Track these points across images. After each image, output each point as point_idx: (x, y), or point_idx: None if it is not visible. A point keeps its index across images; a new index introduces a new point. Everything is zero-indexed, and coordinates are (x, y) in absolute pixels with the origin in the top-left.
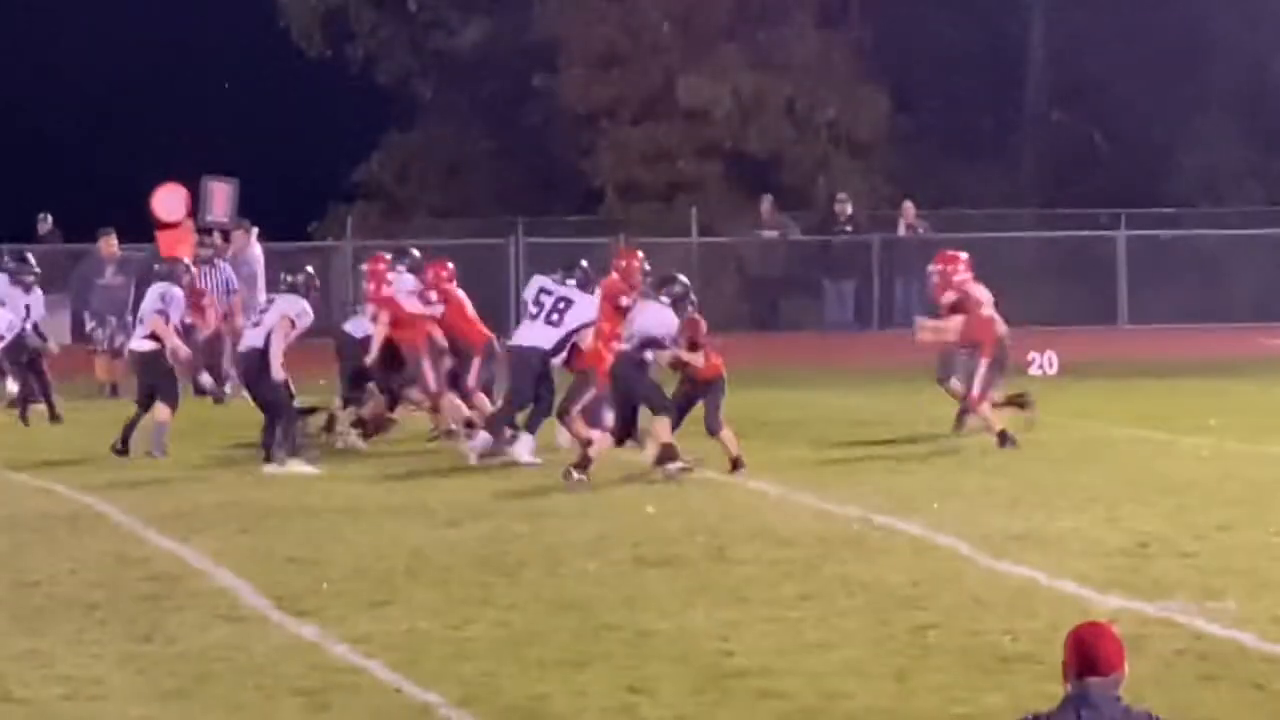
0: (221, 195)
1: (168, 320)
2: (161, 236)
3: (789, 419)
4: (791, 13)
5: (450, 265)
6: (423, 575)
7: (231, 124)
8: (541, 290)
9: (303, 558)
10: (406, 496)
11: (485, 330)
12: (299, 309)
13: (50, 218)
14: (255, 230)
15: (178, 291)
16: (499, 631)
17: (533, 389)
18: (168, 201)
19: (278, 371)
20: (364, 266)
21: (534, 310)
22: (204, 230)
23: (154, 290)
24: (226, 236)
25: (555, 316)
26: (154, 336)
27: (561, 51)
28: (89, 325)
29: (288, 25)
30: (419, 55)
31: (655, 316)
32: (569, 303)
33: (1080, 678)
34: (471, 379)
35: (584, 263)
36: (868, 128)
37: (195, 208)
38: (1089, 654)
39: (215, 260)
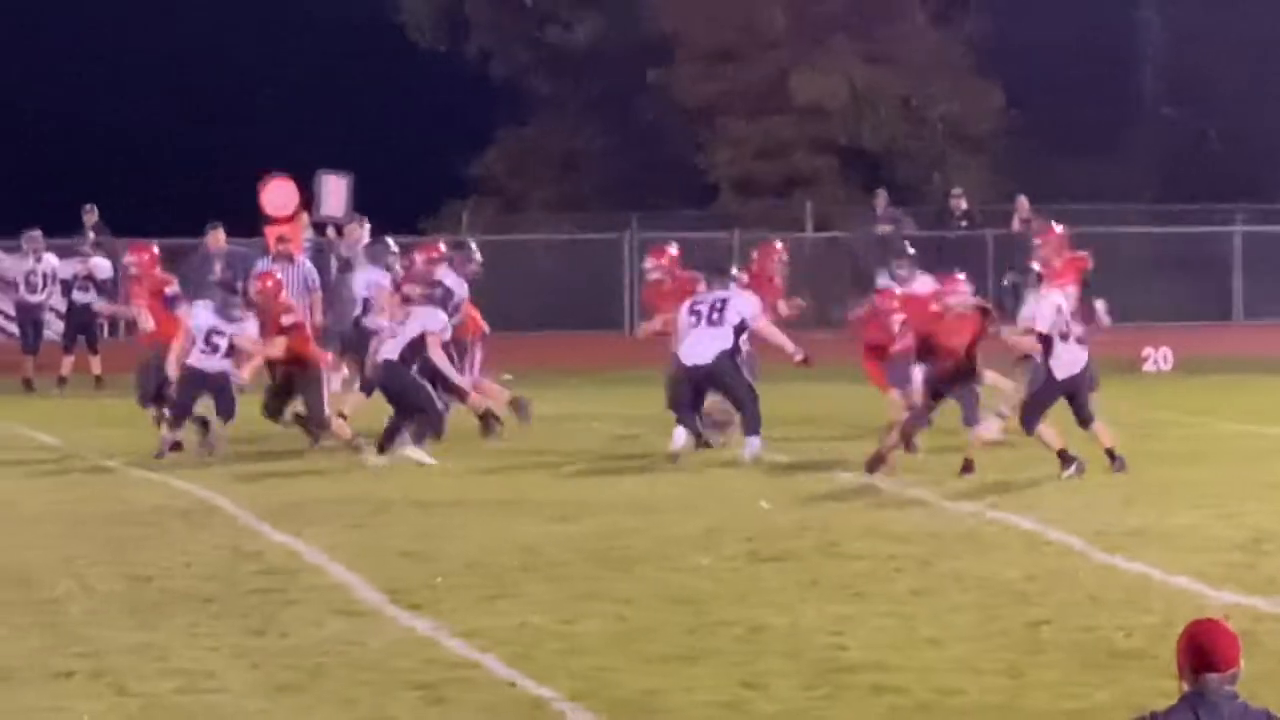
0: (336, 189)
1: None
2: (270, 231)
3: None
4: (905, 8)
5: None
6: (535, 570)
7: (346, 118)
8: (692, 304)
9: (416, 552)
10: (518, 491)
11: (481, 321)
12: (440, 324)
13: (96, 209)
14: (368, 225)
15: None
16: (612, 626)
17: (746, 390)
18: (276, 195)
19: (461, 381)
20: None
21: (693, 320)
22: (318, 225)
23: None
24: (340, 231)
25: (716, 316)
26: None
27: (675, 46)
28: None
29: (404, 19)
30: (534, 50)
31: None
32: (725, 301)
33: (1196, 675)
34: (476, 370)
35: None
36: (981, 123)
37: (309, 202)
38: (1205, 650)
39: (294, 256)
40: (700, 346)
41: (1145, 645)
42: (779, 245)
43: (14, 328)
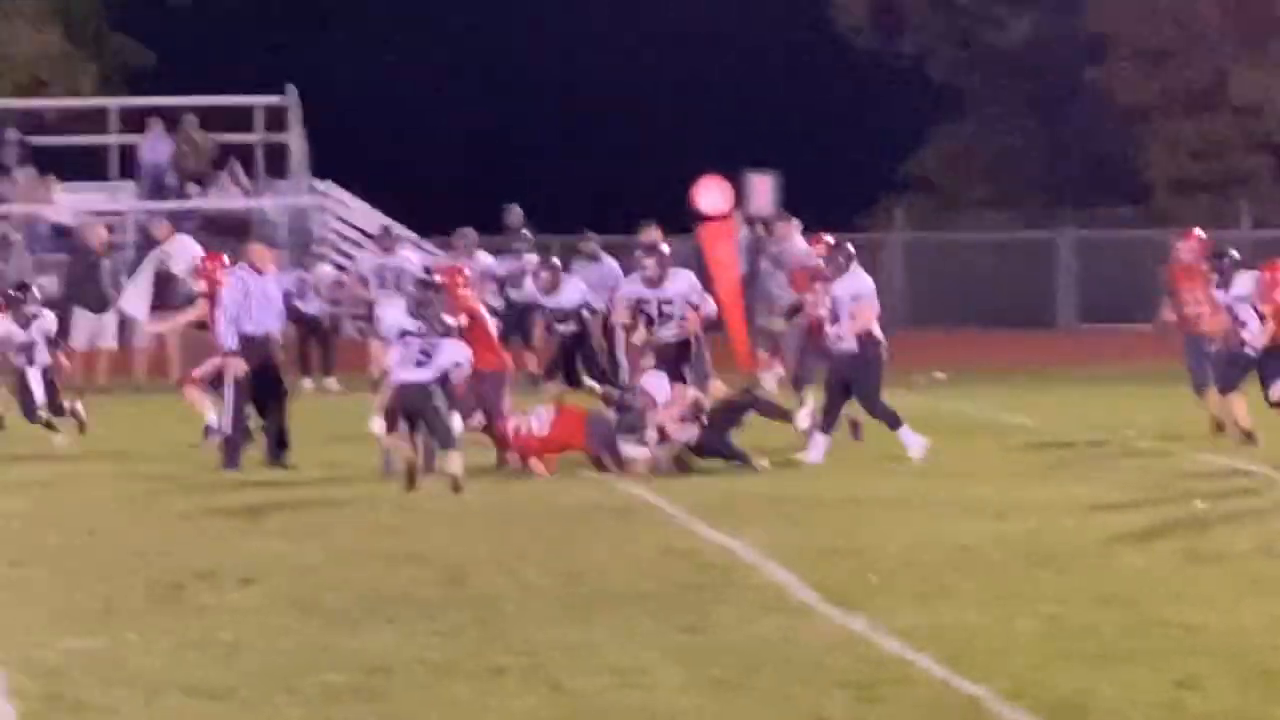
0: (763, 187)
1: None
2: (704, 230)
3: None
4: None
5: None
6: (970, 568)
7: (778, 116)
8: None
9: (850, 550)
10: (952, 490)
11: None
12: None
13: (519, 209)
14: (797, 222)
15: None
16: (1047, 625)
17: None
18: (710, 194)
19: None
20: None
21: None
22: (748, 222)
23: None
24: (769, 228)
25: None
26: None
27: (1110, 45)
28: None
29: (839, 19)
30: (968, 48)
31: None
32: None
33: None
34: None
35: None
36: None
37: (738, 200)
38: None
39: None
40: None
41: None
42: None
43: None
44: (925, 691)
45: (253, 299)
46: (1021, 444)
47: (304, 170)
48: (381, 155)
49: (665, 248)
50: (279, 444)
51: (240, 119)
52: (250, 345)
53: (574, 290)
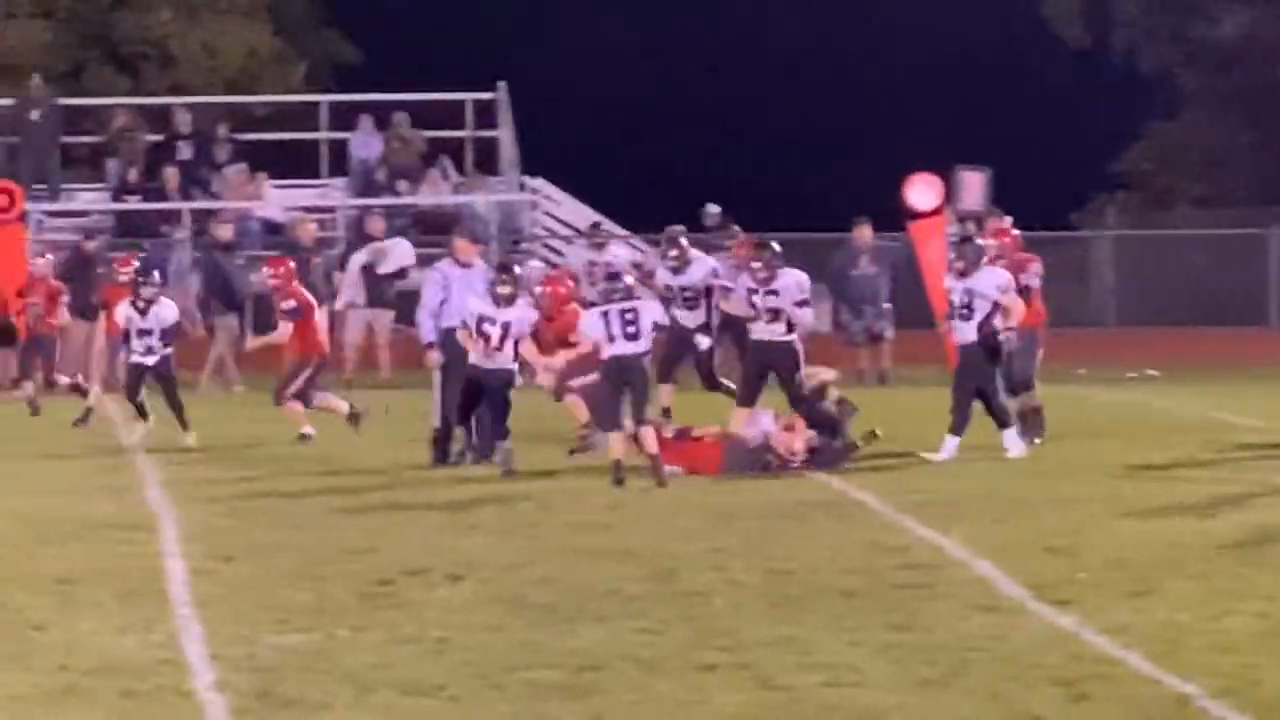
0: (974, 184)
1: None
2: (915, 227)
3: None
4: None
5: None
6: (1181, 566)
7: (990, 113)
8: None
9: (1060, 548)
10: (1163, 488)
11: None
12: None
13: (718, 209)
14: (1010, 219)
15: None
16: (1259, 623)
17: None
18: (921, 192)
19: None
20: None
21: None
22: (959, 218)
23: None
24: (980, 224)
25: None
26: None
27: None
28: (843, 316)
29: (1049, 15)
30: (1180, 44)
31: None
32: None
33: None
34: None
35: None
36: None
37: (949, 196)
38: None
39: None
40: None
41: None
42: None
43: None
44: (1134, 689)
45: (453, 293)
46: (1232, 442)
47: (514, 166)
48: (592, 151)
49: (776, 246)
50: (486, 441)
51: (450, 115)
52: (451, 339)
53: (701, 267)
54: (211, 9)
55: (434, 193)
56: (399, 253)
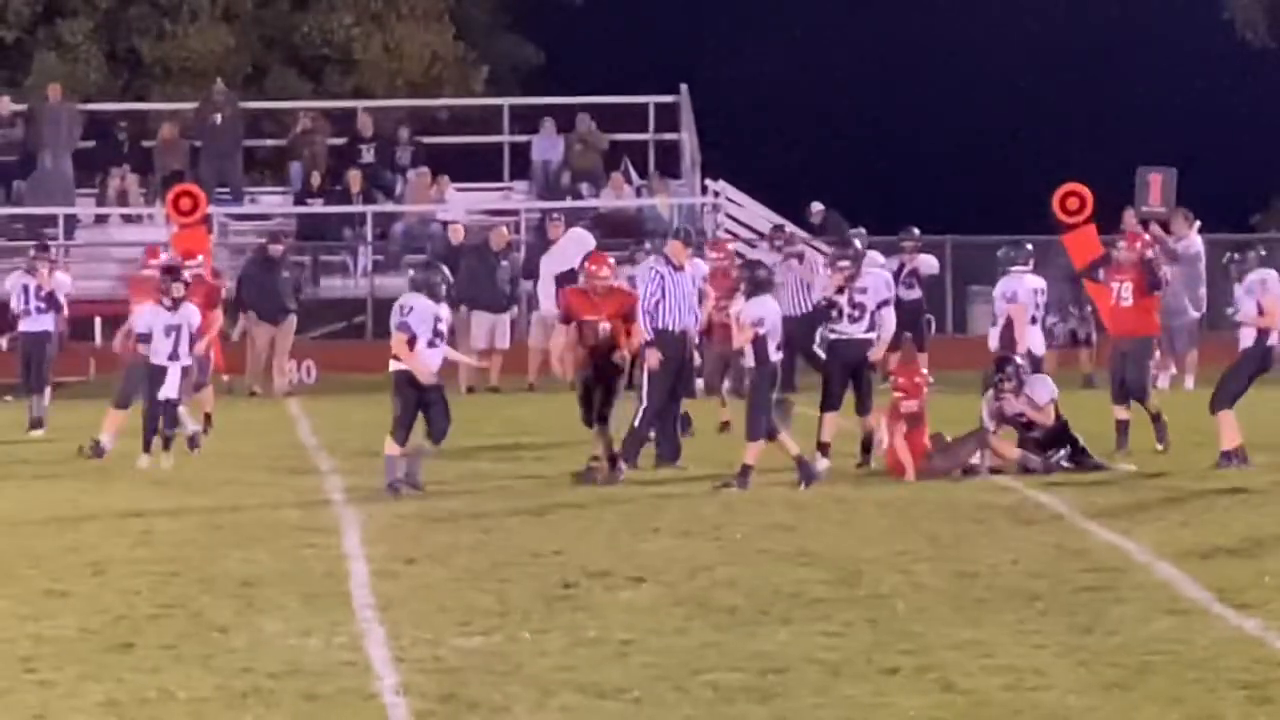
0: (1157, 185)
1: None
2: (1067, 238)
3: None
4: None
5: None
6: None
7: (1175, 114)
8: None
9: (1244, 550)
10: None
11: None
12: None
13: (822, 206)
14: (1196, 221)
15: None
16: None
17: None
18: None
19: None
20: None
21: None
22: (1142, 221)
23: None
24: (1167, 227)
25: None
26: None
27: None
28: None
29: (1232, 17)
30: None
31: None
32: None
33: None
34: None
35: None
36: None
37: (1132, 197)
38: None
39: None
40: None
41: None
42: None
43: None
44: None
45: (669, 294)
46: None
47: (695, 169)
48: (774, 155)
49: (859, 243)
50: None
51: (632, 118)
52: (666, 340)
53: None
54: (394, 12)
55: (616, 195)
56: (579, 242)
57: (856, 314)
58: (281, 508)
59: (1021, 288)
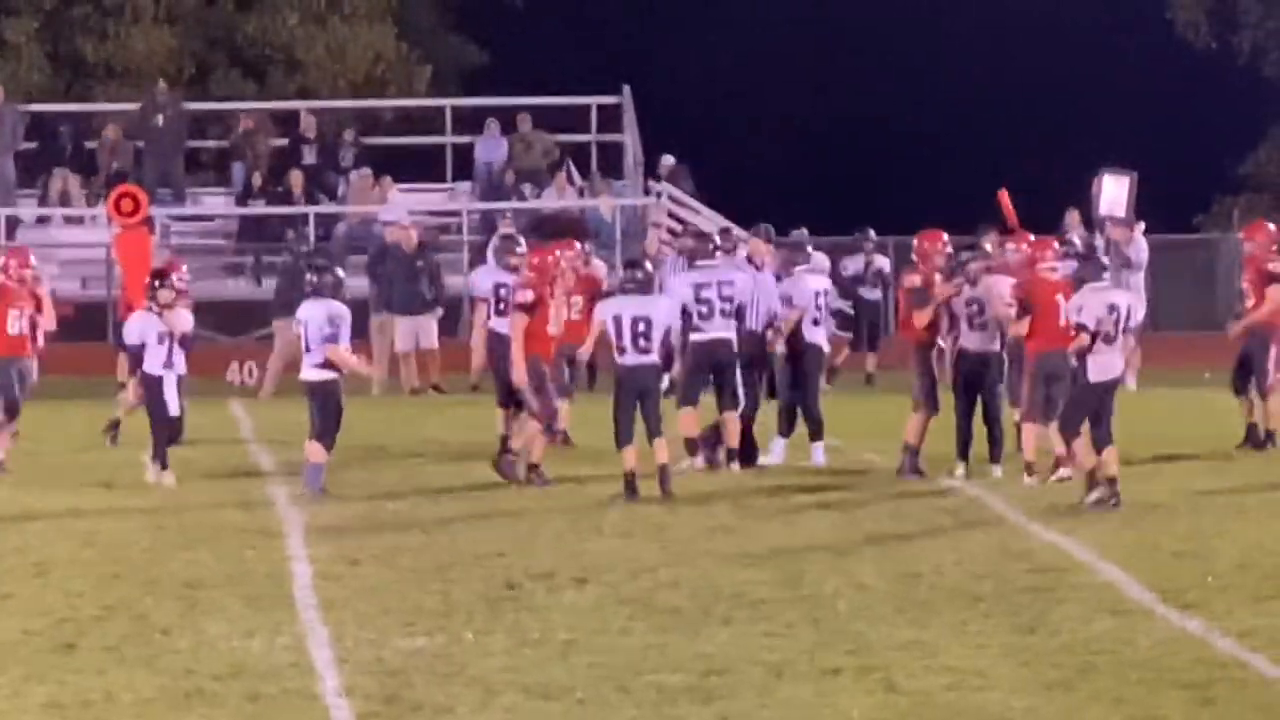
0: (1118, 188)
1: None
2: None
3: None
4: None
5: None
6: None
7: (1117, 115)
8: None
9: (1187, 551)
10: None
11: None
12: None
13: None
14: (1140, 223)
15: (344, 311)
16: None
17: None
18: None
19: None
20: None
21: None
22: (1094, 224)
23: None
24: (1130, 228)
25: None
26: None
27: None
28: None
29: (1175, 18)
30: None
31: None
32: None
33: None
34: None
35: None
36: None
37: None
38: None
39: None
40: None
41: None
42: None
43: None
44: (1261, 693)
45: (753, 295)
46: None
47: (639, 170)
48: (719, 155)
49: (989, 247)
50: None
51: (575, 119)
52: (750, 340)
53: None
54: (337, 13)
55: (559, 196)
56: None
57: (977, 324)
58: (225, 509)
59: (796, 290)
